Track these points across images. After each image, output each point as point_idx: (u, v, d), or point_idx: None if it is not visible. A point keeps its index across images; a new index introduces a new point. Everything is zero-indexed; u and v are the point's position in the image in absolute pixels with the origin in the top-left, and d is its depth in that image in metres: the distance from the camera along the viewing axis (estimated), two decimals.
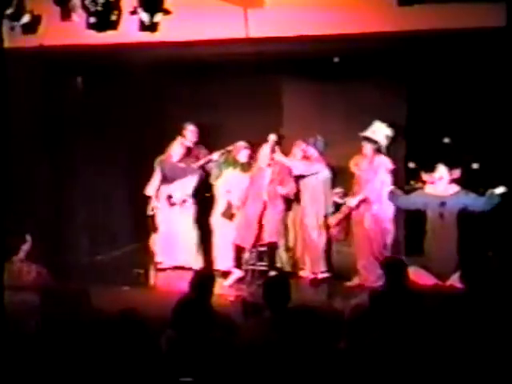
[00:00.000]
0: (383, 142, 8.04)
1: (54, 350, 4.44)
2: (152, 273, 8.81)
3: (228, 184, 8.61)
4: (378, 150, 8.08)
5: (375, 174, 7.98)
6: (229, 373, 4.22)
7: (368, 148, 8.05)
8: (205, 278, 5.28)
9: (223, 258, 8.47)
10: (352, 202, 8.04)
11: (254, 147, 8.59)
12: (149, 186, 8.90)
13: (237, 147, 8.61)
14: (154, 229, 9.04)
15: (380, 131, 8.02)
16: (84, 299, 5.41)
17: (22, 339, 4.72)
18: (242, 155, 8.56)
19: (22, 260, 6.34)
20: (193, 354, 4.30)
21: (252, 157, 8.58)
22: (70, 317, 4.93)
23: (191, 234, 8.81)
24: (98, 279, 7.78)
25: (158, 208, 8.90)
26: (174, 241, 8.84)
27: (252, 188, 8.35)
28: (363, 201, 7.99)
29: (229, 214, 8.48)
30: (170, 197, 8.81)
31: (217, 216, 8.65)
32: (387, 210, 7.96)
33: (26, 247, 6.42)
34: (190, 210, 8.86)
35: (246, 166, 8.56)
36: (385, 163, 8.02)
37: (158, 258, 8.94)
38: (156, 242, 8.97)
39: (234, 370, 4.23)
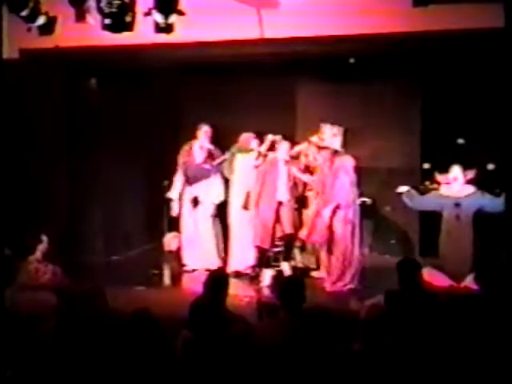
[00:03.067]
0: (337, 144, 7.94)
1: (70, 349, 4.46)
2: (166, 273, 8.82)
3: (243, 173, 8.58)
4: (336, 152, 7.95)
5: (335, 177, 7.78)
6: (244, 372, 4.23)
7: (325, 153, 7.93)
8: (219, 279, 5.28)
9: (241, 258, 8.47)
10: (326, 212, 7.73)
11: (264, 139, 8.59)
12: (172, 189, 8.87)
13: (246, 138, 8.60)
14: (170, 230, 9.07)
15: (331, 135, 7.92)
16: (100, 299, 5.43)
17: (40, 338, 4.75)
18: (254, 145, 8.54)
19: (38, 260, 6.39)
20: (209, 354, 4.31)
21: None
22: (85, 317, 4.95)
23: (213, 236, 8.83)
24: (113, 279, 7.80)
25: (181, 210, 8.88)
26: (197, 243, 8.82)
27: (265, 187, 8.35)
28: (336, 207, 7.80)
29: (249, 205, 8.48)
30: (195, 199, 8.80)
31: (234, 214, 8.63)
32: (354, 212, 7.87)
33: (42, 247, 6.47)
34: (211, 211, 8.85)
35: (263, 154, 8.52)
36: (345, 163, 7.84)
37: (184, 261, 8.88)
38: (181, 244, 8.96)
39: (250, 370, 4.24)
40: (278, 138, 8.45)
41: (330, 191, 7.76)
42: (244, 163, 8.63)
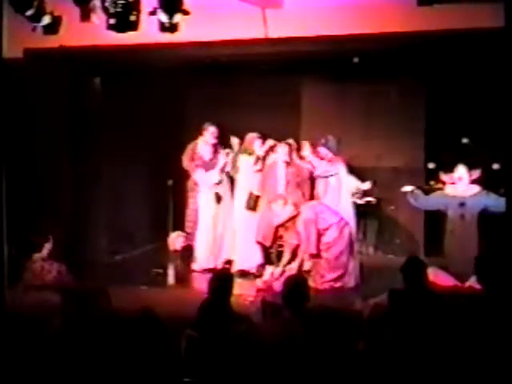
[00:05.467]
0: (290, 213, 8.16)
1: (74, 348, 4.47)
2: (170, 272, 8.81)
3: (246, 174, 8.59)
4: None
5: (306, 230, 7.90)
6: (248, 372, 4.23)
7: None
8: (224, 278, 5.27)
9: (246, 258, 8.44)
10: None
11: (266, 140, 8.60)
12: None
13: (250, 138, 8.61)
14: (174, 230, 9.08)
15: (282, 207, 8.13)
16: (103, 299, 5.44)
17: (44, 338, 4.75)
18: (257, 146, 8.55)
19: (43, 258, 6.40)
20: (213, 353, 4.32)
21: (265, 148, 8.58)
22: (89, 316, 4.95)
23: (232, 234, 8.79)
24: (117, 279, 7.81)
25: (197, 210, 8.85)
26: (217, 241, 8.78)
27: (268, 189, 8.41)
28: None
29: (252, 205, 8.47)
30: (218, 197, 8.77)
31: (239, 214, 8.62)
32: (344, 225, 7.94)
33: (48, 246, 6.48)
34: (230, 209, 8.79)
35: (261, 158, 8.56)
36: (308, 216, 7.94)
37: (197, 259, 8.83)
38: (197, 241, 8.91)
39: (254, 369, 4.24)
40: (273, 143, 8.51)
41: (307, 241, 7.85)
42: (246, 164, 8.63)
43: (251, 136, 8.62)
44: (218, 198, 8.74)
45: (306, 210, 7.96)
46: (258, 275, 8.23)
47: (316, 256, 7.86)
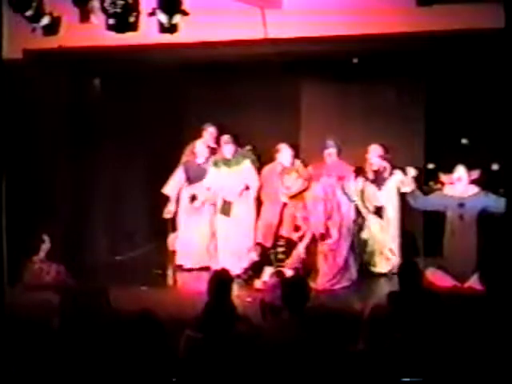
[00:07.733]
0: (302, 185, 8.23)
1: (73, 349, 4.47)
2: (170, 273, 8.81)
3: (216, 181, 8.60)
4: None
5: (314, 207, 8.00)
6: (248, 372, 4.23)
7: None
8: (223, 279, 5.26)
9: (228, 263, 8.39)
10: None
11: (241, 142, 8.67)
12: (169, 185, 8.87)
13: (222, 141, 8.65)
14: (173, 230, 9.07)
15: (295, 179, 8.21)
16: (103, 299, 5.44)
17: (43, 338, 4.75)
18: (227, 150, 8.55)
19: (42, 260, 6.42)
20: (213, 353, 4.32)
21: (236, 151, 8.57)
22: (88, 316, 4.96)
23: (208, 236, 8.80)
24: (116, 279, 7.81)
25: (177, 210, 8.87)
26: (193, 243, 8.80)
27: (267, 189, 8.42)
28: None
29: (227, 211, 8.48)
30: (193, 198, 8.79)
31: (217, 217, 8.63)
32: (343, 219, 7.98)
33: (45, 247, 6.49)
34: (208, 212, 8.84)
35: (232, 162, 8.55)
36: (316, 193, 8.04)
37: (179, 260, 8.86)
38: (176, 244, 8.97)
39: (254, 370, 4.24)
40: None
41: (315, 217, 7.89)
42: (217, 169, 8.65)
43: (224, 139, 8.61)
44: (193, 198, 8.75)
45: (315, 186, 8.00)
46: (247, 278, 8.23)
47: (322, 236, 7.85)
